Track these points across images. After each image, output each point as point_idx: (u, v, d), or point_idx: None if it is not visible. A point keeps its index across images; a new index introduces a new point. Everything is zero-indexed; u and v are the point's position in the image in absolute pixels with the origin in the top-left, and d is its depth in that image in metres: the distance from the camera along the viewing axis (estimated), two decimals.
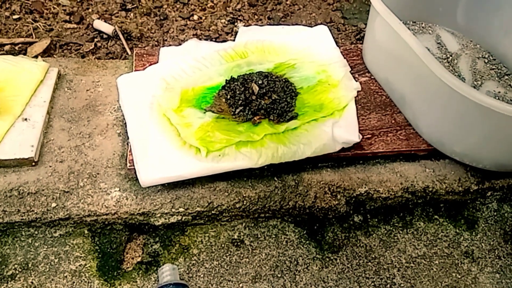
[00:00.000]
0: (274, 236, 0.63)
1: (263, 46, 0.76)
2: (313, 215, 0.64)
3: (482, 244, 0.64)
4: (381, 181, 0.64)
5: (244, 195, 0.62)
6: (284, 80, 0.71)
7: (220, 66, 0.73)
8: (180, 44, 0.92)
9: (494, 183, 0.66)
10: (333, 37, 0.81)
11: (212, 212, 0.62)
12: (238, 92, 0.68)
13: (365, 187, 0.64)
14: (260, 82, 0.69)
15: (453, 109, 0.60)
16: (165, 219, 0.61)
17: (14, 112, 0.65)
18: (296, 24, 0.96)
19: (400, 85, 0.69)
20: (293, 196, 0.63)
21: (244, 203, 0.62)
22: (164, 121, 0.65)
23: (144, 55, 0.76)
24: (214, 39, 0.93)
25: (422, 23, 0.82)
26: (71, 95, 0.71)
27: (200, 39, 0.94)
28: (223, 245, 0.62)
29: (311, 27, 0.82)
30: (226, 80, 0.70)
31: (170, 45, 0.92)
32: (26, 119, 0.65)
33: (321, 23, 0.99)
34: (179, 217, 0.61)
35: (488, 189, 0.66)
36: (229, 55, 0.74)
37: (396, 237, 0.64)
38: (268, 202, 0.62)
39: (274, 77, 0.71)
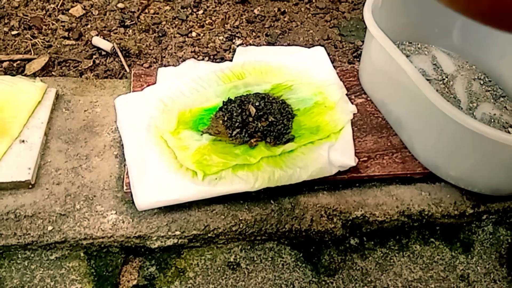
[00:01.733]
0: (270, 259, 0.63)
1: (260, 67, 0.76)
2: (310, 238, 0.64)
3: (478, 267, 0.64)
4: (377, 204, 0.64)
5: (241, 218, 0.62)
6: (281, 102, 0.71)
7: (218, 87, 0.73)
8: (178, 61, 0.93)
9: (489, 207, 0.66)
10: (330, 55, 0.81)
11: (209, 235, 0.62)
12: (235, 114, 0.68)
13: (361, 210, 0.64)
14: (257, 104, 0.69)
15: (447, 134, 0.60)
16: (161, 242, 0.61)
17: (11, 134, 0.65)
18: (294, 42, 0.97)
19: (396, 107, 0.69)
20: (289, 219, 0.63)
21: (241, 226, 0.62)
22: (161, 144, 0.65)
23: (142, 76, 0.77)
24: (212, 56, 0.94)
25: (418, 44, 0.82)
26: (68, 115, 0.72)
27: (198, 56, 0.95)
28: (219, 268, 0.62)
29: (308, 47, 0.83)
30: (223, 101, 0.70)
31: (168, 61, 0.93)
32: (23, 141, 0.66)
33: (318, 40, 1.00)
34: (175, 240, 0.62)
35: (483, 213, 0.66)
36: (226, 76, 0.75)
37: (392, 260, 0.64)
38: (264, 225, 0.63)
39: (271, 98, 0.71)
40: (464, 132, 0.56)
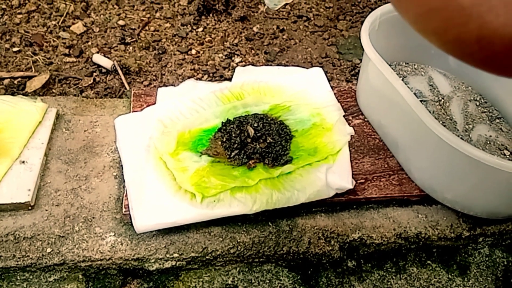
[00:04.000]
0: (268, 281, 0.64)
1: (259, 88, 0.77)
2: (307, 260, 0.64)
3: None
4: (374, 226, 0.65)
5: (239, 240, 0.63)
6: (279, 123, 0.72)
7: (217, 108, 0.74)
8: (177, 79, 0.94)
9: (485, 229, 0.66)
10: (328, 73, 0.82)
11: (207, 257, 0.62)
12: (233, 135, 0.69)
13: (358, 233, 0.64)
14: (255, 125, 0.70)
15: (443, 158, 0.61)
16: (160, 264, 0.62)
17: (12, 155, 0.66)
18: (292, 60, 0.98)
19: (393, 129, 0.70)
20: (287, 242, 0.63)
21: (239, 249, 0.62)
22: (160, 165, 0.66)
23: (142, 96, 0.78)
24: (211, 74, 0.95)
25: (414, 65, 0.83)
26: (68, 136, 0.72)
27: (197, 74, 0.96)
28: None
29: (307, 65, 0.84)
30: (222, 122, 0.71)
31: (168, 79, 0.94)
32: (23, 162, 0.66)
33: (316, 58, 1.01)
34: (174, 262, 0.62)
35: (479, 235, 0.67)
36: (225, 97, 0.76)
37: (389, 283, 0.65)
38: (262, 247, 0.63)
39: (269, 119, 0.72)
40: (459, 156, 0.57)
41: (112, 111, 0.77)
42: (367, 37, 0.69)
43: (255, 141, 0.69)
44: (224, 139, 0.69)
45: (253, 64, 0.95)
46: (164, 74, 0.95)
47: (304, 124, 0.72)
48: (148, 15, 1.06)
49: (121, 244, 0.61)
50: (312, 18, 1.10)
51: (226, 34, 1.04)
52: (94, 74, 0.92)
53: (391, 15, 0.74)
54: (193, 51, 1.00)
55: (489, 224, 0.66)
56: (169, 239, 0.62)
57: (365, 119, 0.76)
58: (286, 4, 0.89)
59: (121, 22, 1.04)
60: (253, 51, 1.01)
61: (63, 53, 0.96)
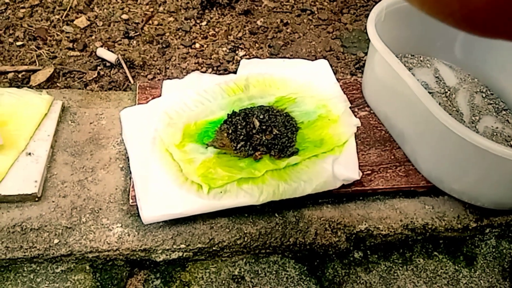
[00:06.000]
0: (274, 272, 0.64)
1: (264, 80, 0.77)
2: (314, 251, 0.64)
3: (481, 281, 0.65)
4: (381, 218, 0.65)
5: (245, 231, 0.63)
6: (285, 115, 0.72)
7: (222, 100, 0.74)
8: (182, 72, 0.94)
9: (492, 220, 0.66)
10: (333, 66, 0.82)
11: (213, 248, 0.62)
12: (239, 127, 0.69)
13: (365, 224, 0.64)
14: (261, 116, 0.70)
15: (450, 149, 0.61)
16: (167, 255, 0.62)
17: (18, 147, 0.66)
18: (296, 54, 0.98)
19: (399, 121, 0.70)
20: (293, 233, 0.63)
21: (245, 240, 0.62)
22: (167, 157, 0.66)
23: (147, 88, 0.77)
24: (215, 67, 0.94)
25: (420, 57, 0.83)
26: (74, 128, 0.72)
27: (201, 67, 0.95)
28: (223, 281, 0.62)
29: (311, 59, 0.84)
30: (228, 114, 0.71)
31: (172, 73, 0.93)
32: (30, 154, 0.66)
33: (320, 51, 1.01)
34: (180, 253, 0.62)
35: (486, 226, 0.67)
36: (230, 89, 0.75)
37: (396, 274, 0.65)
38: (268, 238, 0.63)
39: (275, 111, 0.72)
40: (467, 146, 0.56)
41: (118, 104, 0.77)
42: (374, 28, 0.69)
43: (261, 133, 0.69)
44: (230, 131, 0.69)
45: (257, 58, 0.95)
46: (168, 68, 0.94)
47: (310, 116, 0.72)
48: (151, 9, 1.06)
49: (128, 235, 0.61)
50: (316, 12, 1.10)
51: (230, 27, 1.04)
52: (98, 68, 0.92)
53: (397, 6, 0.74)
54: (197, 45, 0.99)
55: (496, 215, 0.66)
56: (176, 230, 0.62)
57: (371, 111, 0.76)
58: None
59: (124, 16, 1.03)
60: (257, 45, 1.01)
61: (67, 47, 0.96)
